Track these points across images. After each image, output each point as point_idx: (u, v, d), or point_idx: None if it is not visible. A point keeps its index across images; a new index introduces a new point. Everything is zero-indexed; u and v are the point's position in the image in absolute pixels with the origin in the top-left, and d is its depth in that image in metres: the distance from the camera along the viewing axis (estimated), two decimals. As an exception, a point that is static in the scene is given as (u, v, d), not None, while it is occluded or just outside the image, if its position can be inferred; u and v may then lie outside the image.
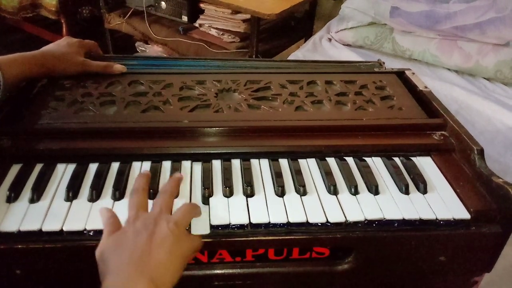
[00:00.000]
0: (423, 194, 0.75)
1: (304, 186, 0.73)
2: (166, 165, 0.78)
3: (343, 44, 1.86)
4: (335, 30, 1.87)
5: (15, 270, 0.66)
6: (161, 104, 0.88)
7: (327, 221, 0.69)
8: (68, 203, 0.69)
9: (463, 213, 0.71)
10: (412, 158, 0.82)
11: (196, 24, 2.28)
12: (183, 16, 2.27)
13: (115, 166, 0.77)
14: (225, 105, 0.89)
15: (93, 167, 0.76)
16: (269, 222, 0.68)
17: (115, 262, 0.56)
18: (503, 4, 1.57)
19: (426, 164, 0.81)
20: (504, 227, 0.71)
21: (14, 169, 0.75)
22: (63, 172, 0.75)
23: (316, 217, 0.69)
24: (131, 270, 0.54)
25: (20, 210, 0.67)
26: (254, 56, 2.01)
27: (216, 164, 0.78)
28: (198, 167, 0.78)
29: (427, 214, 0.70)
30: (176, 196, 0.70)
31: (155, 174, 0.75)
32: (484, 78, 1.66)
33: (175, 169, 0.76)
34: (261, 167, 0.78)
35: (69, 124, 0.82)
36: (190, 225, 0.66)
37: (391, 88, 0.99)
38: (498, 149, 1.39)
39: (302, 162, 0.80)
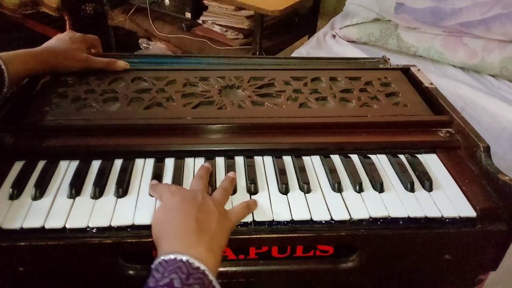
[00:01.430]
0: (429, 191, 0.74)
1: (308, 183, 0.73)
2: (169, 162, 0.77)
3: (348, 41, 1.85)
4: (340, 27, 1.86)
5: (18, 267, 0.66)
6: (164, 101, 0.88)
7: (332, 219, 0.68)
8: (71, 200, 0.69)
9: (469, 211, 0.70)
10: (418, 155, 0.82)
11: (200, 21, 2.27)
12: (186, 13, 2.27)
13: (118, 163, 0.76)
14: (229, 102, 0.88)
15: (96, 164, 0.76)
16: (273, 220, 0.67)
17: (172, 229, 0.59)
18: (508, 0, 1.55)
19: (431, 161, 0.81)
20: (510, 225, 0.70)
21: (17, 166, 0.74)
22: (66, 169, 0.75)
23: (320, 215, 0.68)
24: (192, 237, 0.57)
25: (23, 207, 0.67)
26: (257, 53, 2.00)
27: (220, 161, 0.78)
28: (201, 164, 0.77)
29: (432, 212, 0.70)
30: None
31: (158, 171, 0.74)
32: (490, 75, 1.64)
33: (178, 166, 0.76)
34: (264, 164, 0.78)
35: (72, 121, 0.82)
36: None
37: (396, 84, 0.98)
38: (504, 146, 1.38)
39: (306, 159, 0.79)
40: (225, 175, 0.74)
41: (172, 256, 0.53)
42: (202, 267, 0.53)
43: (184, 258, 0.53)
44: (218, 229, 0.60)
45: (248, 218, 0.67)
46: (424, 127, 0.86)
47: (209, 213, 0.61)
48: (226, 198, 0.69)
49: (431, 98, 0.94)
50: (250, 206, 0.68)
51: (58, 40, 0.96)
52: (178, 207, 0.61)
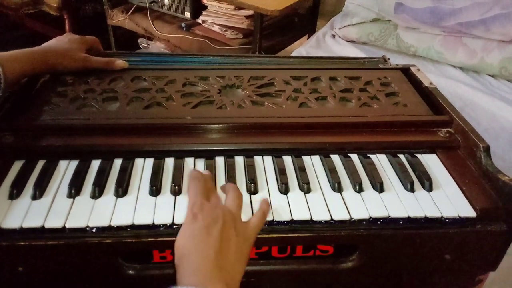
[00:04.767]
0: (428, 191, 0.74)
1: (308, 183, 0.73)
2: (169, 162, 0.77)
3: (347, 41, 1.85)
4: (339, 27, 1.86)
5: (18, 267, 0.66)
6: (164, 101, 0.88)
7: (332, 219, 0.68)
8: (71, 200, 0.69)
9: (468, 211, 0.70)
10: (417, 155, 0.81)
11: (199, 21, 2.27)
12: (186, 13, 2.27)
13: (117, 162, 0.76)
14: (229, 102, 0.88)
15: (95, 164, 0.76)
16: (273, 219, 0.67)
17: (192, 262, 0.57)
18: (508, 0, 1.55)
19: (431, 162, 0.81)
20: (510, 225, 0.70)
21: (16, 166, 0.74)
22: (66, 168, 0.75)
23: (320, 215, 0.68)
24: (211, 273, 0.55)
25: (22, 207, 0.67)
26: (257, 53, 2.00)
27: (220, 161, 0.78)
28: (201, 164, 0.77)
29: (432, 212, 0.70)
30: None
31: (158, 171, 0.74)
32: (489, 75, 1.64)
33: (178, 165, 0.76)
34: (264, 164, 0.78)
35: (71, 120, 0.81)
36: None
37: (396, 84, 0.98)
38: (503, 147, 1.38)
39: (306, 159, 0.79)
40: (225, 175, 0.74)
41: None
42: None
43: None
44: (237, 257, 0.59)
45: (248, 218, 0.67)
46: (424, 127, 0.86)
47: (229, 241, 0.59)
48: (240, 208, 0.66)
49: (431, 98, 0.94)
50: (265, 213, 0.66)
51: (57, 41, 0.96)
52: (200, 237, 0.59)
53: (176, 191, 0.71)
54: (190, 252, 0.58)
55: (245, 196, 0.71)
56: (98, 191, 0.70)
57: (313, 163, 0.79)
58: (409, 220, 0.69)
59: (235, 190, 0.67)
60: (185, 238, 0.60)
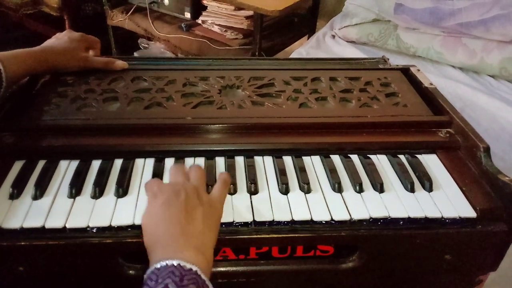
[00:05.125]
0: (429, 192, 0.74)
1: (308, 183, 0.73)
2: (169, 162, 0.77)
3: (347, 41, 1.85)
4: (339, 27, 1.86)
5: (18, 267, 0.66)
6: (164, 101, 0.88)
7: (332, 219, 0.68)
8: (71, 200, 0.69)
9: (469, 211, 0.70)
10: (418, 156, 0.82)
11: (199, 21, 2.27)
12: (185, 13, 2.27)
13: (118, 163, 0.76)
14: (229, 102, 0.88)
15: (96, 164, 0.76)
16: (273, 220, 0.67)
17: (158, 237, 0.58)
18: (507, 1, 1.55)
19: (431, 162, 0.81)
20: (510, 225, 0.70)
21: (17, 166, 0.74)
22: (66, 168, 0.75)
23: (321, 215, 0.68)
24: (178, 242, 0.57)
25: (23, 207, 0.67)
26: (257, 53, 2.00)
27: (220, 161, 0.78)
28: (201, 164, 0.77)
29: (432, 212, 0.70)
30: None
31: (158, 172, 0.74)
32: (489, 75, 1.64)
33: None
34: (265, 165, 0.78)
35: (72, 121, 0.81)
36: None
37: (396, 84, 0.98)
38: (503, 147, 1.38)
39: (306, 159, 0.79)
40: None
41: (163, 263, 0.53)
42: (194, 268, 0.53)
43: (175, 262, 0.53)
44: (205, 227, 0.59)
45: (249, 218, 0.67)
46: (424, 127, 0.87)
47: (193, 210, 0.60)
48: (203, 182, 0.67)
49: (431, 98, 0.94)
50: (226, 181, 0.68)
51: (57, 40, 0.96)
52: (162, 212, 0.60)
53: (177, 191, 0.70)
54: (156, 227, 0.59)
55: (246, 196, 0.71)
56: (98, 191, 0.70)
57: (313, 164, 0.79)
58: (409, 220, 0.69)
59: (196, 167, 0.69)
60: (148, 216, 0.61)
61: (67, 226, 0.65)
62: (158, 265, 0.53)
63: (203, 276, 0.53)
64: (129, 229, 0.66)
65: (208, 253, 0.58)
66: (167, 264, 0.53)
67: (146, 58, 1.18)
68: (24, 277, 0.67)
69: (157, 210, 0.60)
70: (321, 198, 0.71)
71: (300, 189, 0.73)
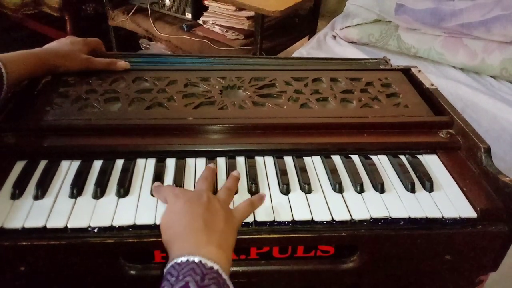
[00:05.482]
0: (429, 192, 0.74)
1: (309, 184, 0.73)
2: (170, 162, 0.77)
3: (348, 42, 1.85)
4: (340, 27, 1.86)
5: (19, 266, 0.66)
6: (166, 101, 0.88)
7: (333, 219, 0.68)
8: (73, 200, 0.69)
9: (469, 212, 0.70)
10: (418, 156, 0.82)
11: (200, 21, 2.27)
12: (187, 13, 2.27)
13: (119, 163, 0.76)
14: (230, 102, 0.88)
15: (97, 164, 0.76)
16: (274, 220, 0.67)
17: (180, 231, 0.59)
18: (509, 1, 1.55)
19: (432, 162, 0.81)
20: (511, 226, 0.70)
21: (19, 166, 0.74)
22: (68, 169, 0.75)
23: (321, 215, 0.68)
24: (201, 237, 0.57)
25: (24, 207, 0.67)
26: (258, 53, 2.00)
27: (221, 162, 0.78)
28: (202, 164, 0.77)
29: (433, 213, 0.70)
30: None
31: (160, 172, 0.74)
32: (490, 76, 1.64)
33: (180, 166, 0.76)
34: (266, 165, 0.78)
35: (73, 121, 0.82)
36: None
37: (397, 85, 0.98)
38: (504, 148, 1.38)
39: (307, 159, 0.79)
40: (226, 175, 0.75)
41: (184, 259, 0.53)
42: (216, 266, 0.53)
43: (197, 259, 0.53)
44: (226, 227, 0.60)
45: (249, 218, 0.67)
46: (425, 128, 0.87)
47: (216, 212, 0.61)
48: (231, 198, 0.69)
49: (431, 99, 0.94)
50: (254, 203, 0.68)
51: (59, 43, 0.97)
52: (184, 209, 0.61)
53: (178, 191, 0.71)
54: (178, 222, 0.60)
55: (247, 196, 0.71)
56: (100, 191, 0.70)
57: (314, 164, 0.79)
58: (410, 220, 0.69)
59: (229, 182, 0.70)
60: (170, 213, 0.62)
61: (69, 226, 0.65)
62: (179, 260, 0.53)
63: (223, 275, 0.53)
64: (130, 229, 0.66)
65: (228, 251, 0.58)
66: (188, 260, 0.53)
67: (148, 55, 1.18)
68: (26, 277, 0.67)
69: (180, 207, 0.61)
70: (322, 198, 0.71)
71: (301, 189, 0.73)
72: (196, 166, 0.77)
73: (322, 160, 0.79)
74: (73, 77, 0.94)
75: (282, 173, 0.75)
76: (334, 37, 1.90)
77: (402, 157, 0.81)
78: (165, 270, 0.54)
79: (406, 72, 1.05)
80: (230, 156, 0.79)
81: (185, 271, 0.51)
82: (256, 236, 0.67)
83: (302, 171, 0.76)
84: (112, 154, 0.78)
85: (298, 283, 0.76)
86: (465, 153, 0.82)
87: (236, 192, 0.72)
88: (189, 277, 0.50)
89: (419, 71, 1.05)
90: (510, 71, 1.57)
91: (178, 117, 0.84)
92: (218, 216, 0.61)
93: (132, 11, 2.42)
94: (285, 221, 0.68)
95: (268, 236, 0.67)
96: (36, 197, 0.69)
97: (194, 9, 2.24)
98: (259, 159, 0.79)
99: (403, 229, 0.69)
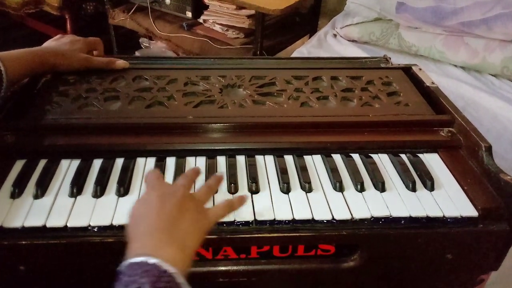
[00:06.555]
0: (430, 191, 0.74)
1: (309, 182, 0.73)
2: (170, 161, 0.77)
3: (349, 40, 1.85)
4: (341, 26, 1.86)
5: (19, 266, 0.66)
6: (166, 100, 0.88)
7: (333, 218, 0.68)
8: (73, 199, 0.69)
9: (470, 211, 0.70)
10: (419, 155, 0.81)
11: (200, 20, 2.27)
12: (187, 12, 2.27)
13: (119, 162, 0.76)
14: (230, 101, 0.88)
15: (97, 163, 0.76)
16: (274, 219, 0.67)
17: (144, 226, 0.58)
18: (510, 0, 1.55)
19: (433, 161, 0.81)
20: (512, 225, 0.70)
21: (18, 165, 0.74)
22: (67, 168, 0.75)
23: (322, 214, 0.68)
24: (161, 236, 0.56)
25: (24, 206, 0.67)
26: (258, 52, 2.00)
27: (221, 160, 0.78)
28: (202, 163, 0.77)
29: (434, 212, 0.70)
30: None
31: (160, 171, 0.74)
32: (491, 74, 1.64)
33: (180, 165, 0.76)
34: (266, 164, 0.78)
35: (73, 120, 0.81)
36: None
37: (397, 84, 0.98)
38: (505, 146, 1.38)
39: (307, 158, 0.79)
40: (226, 174, 0.74)
41: (140, 259, 0.53)
42: (172, 269, 0.52)
43: (153, 261, 0.52)
44: (192, 228, 0.59)
45: (250, 217, 0.67)
46: (426, 126, 0.86)
47: (186, 211, 0.60)
48: (209, 196, 0.67)
49: (432, 97, 0.94)
50: (233, 205, 0.66)
51: (58, 41, 0.97)
52: (154, 203, 0.60)
53: (178, 190, 0.70)
54: (145, 216, 0.59)
55: (247, 195, 0.71)
56: (99, 190, 0.70)
57: (315, 163, 0.79)
58: (410, 219, 0.69)
59: (211, 180, 0.69)
60: (142, 202, 0.61)
61: (68, 225, 0.65)
62: (138, 260, 0.53)
63: (178, 279, 0.52)
64: (130, 228, 0.65)
65: (189, 253, 0.58)
66: (144, 261, 0.52)
67: (147, 58, 1.17)
68: (25, 276, 0.67)
69: (152, 200, 0.60)
70: (323, 197, 0.71)
71: (301, 188, 0.73)
72: (196, 165, 0.77)
73: (322, 159, 0.79)
74: (73, 76, 0.94)
75: (282, 172, 0.75)
76: (335, 35, 1.90)
77: (403, 156, 0.81)
78: (120, 268, 0.53)
79: (407, 70, 1.05)
80: (230, 155, 0.79)
81: (140, 272, 0.51)
82: (256, 235, 0.67)
83: (302, 170, 0.75)
84: (112, 153, 0.77)
85: (299, 282, 0.76)
86: (466, 152, 0.81)
87: (237, 191, 0.72)
88: (144, 279, 0.50)
89: (420, 69, 1.05)
90: (511, 69, 1.57)
91: (178, 116, 0.84)
92: (187, 216, 0.60)
93: (132, 10, 2.42)
94: (285, 220, 0.68)
95: (269, 235, 0.67)
96: (36, 196, 0.69)
97: (194, 8, 2.23)
98: (259, 158, 0.79)
99: (404, 228, 0.69)
